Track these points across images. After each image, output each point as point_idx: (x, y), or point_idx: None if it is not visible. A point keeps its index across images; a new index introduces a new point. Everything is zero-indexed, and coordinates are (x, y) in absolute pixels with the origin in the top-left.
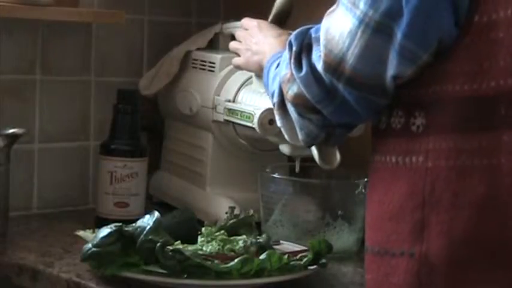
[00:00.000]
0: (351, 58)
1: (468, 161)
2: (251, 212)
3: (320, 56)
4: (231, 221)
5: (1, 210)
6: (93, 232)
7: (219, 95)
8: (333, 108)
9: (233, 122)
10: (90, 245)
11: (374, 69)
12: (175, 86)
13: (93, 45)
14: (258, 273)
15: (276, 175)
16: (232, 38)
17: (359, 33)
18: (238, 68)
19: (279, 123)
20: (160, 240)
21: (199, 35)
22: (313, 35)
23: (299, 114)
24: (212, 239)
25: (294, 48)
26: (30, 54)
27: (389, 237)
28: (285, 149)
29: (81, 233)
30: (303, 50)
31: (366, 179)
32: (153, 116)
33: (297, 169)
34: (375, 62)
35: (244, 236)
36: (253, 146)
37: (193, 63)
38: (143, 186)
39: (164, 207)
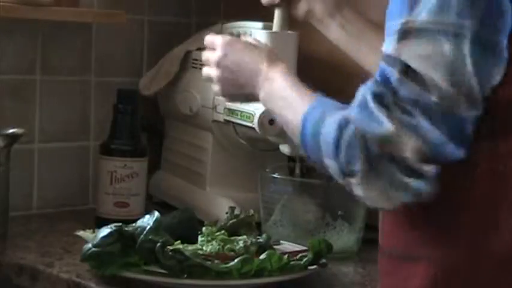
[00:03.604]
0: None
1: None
2: (251, 212)
3: (421, 92)
4: (231, 221)
5: (1, 210)
6: (93, 232)
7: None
8: (452, 147)
9: (233, 122)
10: (90, 245)
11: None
12: (175, 86)
13: (93, 45)
14: (258, 273)
15: (276, 175)
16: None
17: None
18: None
19: (364, 192)
20: (160, 240)
21: (199, 35)
22: (392, 79)
23: (409, 172)
24: (212, 239)
25: (387, 100)
26: (30, 54)
27: (411, 242)
28: (285, 149)
29: (81, 233)
30: (393, 98)
31: None
32: (153, 116)
33: (297, 171)
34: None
35: (244, 236)
36: (253, 146)
37: (193, 63)
38: (143, 186)
39: (164, 207)
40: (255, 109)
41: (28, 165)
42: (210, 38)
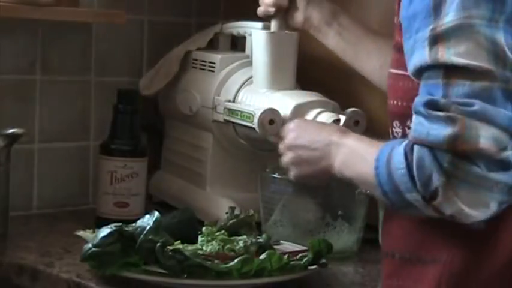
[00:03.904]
0: None
1: None
2: (251, 212)
3: (472, 83)
4: (231, 221)
5: (1, 210)
6: (93, 232)
7: (219, 95)
8: None
9: (233, 122)
10: (90, 245)
11: None
12: (175, 86)
13: (93, 45)
14: (258, 273)
15: (276, 175)
16: (232, 38)
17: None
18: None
19: (452, 210)
20: (160, 240)
21: (199, 35)
22: (439, 87)
23: (491, 165)
24: (212, 239)
25: (441, 103)
26: (30, 54)
27: (419, 244)
28: None
29: (81, 233)
30: (447, 99)
31: None
32: (153, 116)
33: None
34: None
35: (244, 236)
36: (253, 146)
37: (193, 63)
38: (143, 186)
39: (164, 207)
40: (255, 109)
41: (28, 165)
42: (284, 128)
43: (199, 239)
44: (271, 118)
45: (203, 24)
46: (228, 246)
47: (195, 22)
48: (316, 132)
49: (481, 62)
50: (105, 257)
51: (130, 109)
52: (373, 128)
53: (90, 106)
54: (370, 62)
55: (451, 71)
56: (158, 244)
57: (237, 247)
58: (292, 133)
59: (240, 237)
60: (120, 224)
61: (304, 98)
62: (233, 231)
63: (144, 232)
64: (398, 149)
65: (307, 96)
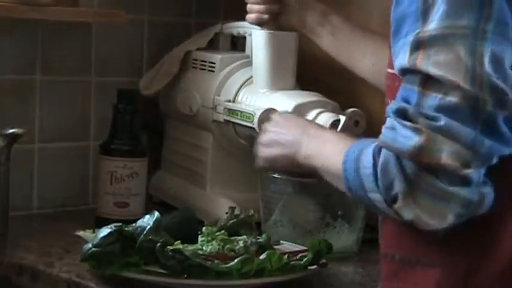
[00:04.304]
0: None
1: None
2: (251, 212)
3: (443, 97)
4: (231, 221)
5: (1, 210)
6: (93, 232)
7: (219, 95)
8: (489, 142)
9: (233, 122)
10: (90, 245)
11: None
12: (175, 86)
13: (93, 45)
14: (258, 273)
15: (276, 175)
16: (232, 38)
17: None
18: (263, 166)
19: (410, 215)
20: (160, 240)
21: (199, 35)
22: (414, 93)
23: (451, 180)
24: (212, 239)
25: (410, 113)
26: (30, 54)
27: (419, 247)
28: None
29: (81, 233)
30: (416, 110)
31: None
32: (153, 116)
33: None
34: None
35: (244, 236)
36: (253, 146)
37: (193, 63)
38: (143, 186)
39: (164, 207)
40: (255, 109)
41: (28, 165)
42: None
43: (199, 239)
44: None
45: (203, 24)
46: (228, 246)
47: (195, 22)
48: (295, 124)
49: (456, 77)
50: (105, 257)
51: (130, 109)
52: (373, 128)
53: (90, 106)
54: (364, 60)
55: (426, 80)
56: (158, 244)
57: (237, 247)
58: (272, 123)
59: (240, 237)
60: (120, 224)
61: (304, 98)
62: (233, 231)
63: (144, 232)
64: (368, 149)
65: (307, 96)
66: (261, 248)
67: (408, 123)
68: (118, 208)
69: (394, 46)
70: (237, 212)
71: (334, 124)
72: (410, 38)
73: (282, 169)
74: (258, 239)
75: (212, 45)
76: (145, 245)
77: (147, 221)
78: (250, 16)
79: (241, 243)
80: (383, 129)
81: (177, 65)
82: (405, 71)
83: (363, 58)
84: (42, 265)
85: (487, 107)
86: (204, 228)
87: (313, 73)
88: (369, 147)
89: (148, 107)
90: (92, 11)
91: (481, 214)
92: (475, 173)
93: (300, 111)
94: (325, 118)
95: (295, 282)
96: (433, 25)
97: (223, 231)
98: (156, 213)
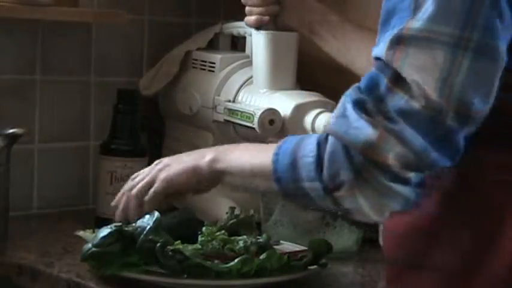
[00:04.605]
0: (456, 88)
1: None
2: (251, 212)
3: (407, 100)
4: (231, 221)
5: (1, 210)
6: (93, 232)
7: (219, 95)
8: (435, 155)
9: (233, 122)
10: (90, 245)
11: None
12: (175, 86)
13: (93, 45)
14: (258, 273)
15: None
16: (232, 38)
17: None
18: (161, 188)
19: (353, 203)
20: (160, 240)
21: (199, 35)
22: (381, 86)
23: (394, 178)
24: (212, 239)
25: (369, 107)
26: (30, 54)
27: (418, 251)
28: None
29: (81, 233)
30: (377, 105)
31: None
32: (153, 116)
33: None
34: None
35: (244, 236)
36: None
37: (193, 63)
38: None
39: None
40: (255, 109)
41: (28, 165)
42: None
43: (199, 239)
44: (271, 118)
45: (203, 24)
46: (228, 246)
47: (195, 22)
48: (186, 154)
49: (426, 84)
50: (105, 257)
51: (130, 109)
52: None
53: (90, 106)
54: (364, 60)
55: (397, 78)
56: (158, 244)
57: (237, 247)
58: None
59: (240, 237)
60: (120, 224)
61: (304, 98)
62: (233, 231)
63: (144, 232)
64: (311, 139)
65: (307, 96)
66: (261, 248)
67: (364, 116)
68: None
69: (380, 35)
70: (237, 212)
71: None
72: (395, 29)
73: (183, 186)
74: (258, 239)
75: (212, 45)
76: (146, 245)
77: (147, 221)
78: (250, 19)
79: (241, 243)
80: (333, 118)
81: (177, 65)
82: (380, 61)
83: (363, 58)
84: (42, 265)
85: (447, 121)
86: (204, 228)
87: (313, 73)
88: (309, 138)
89: (148, 107)
90: (92, 11)
91: (482, 217)
92: (416, 177)
93: (300, 111)
94: (325, 118)
95: (295, 282)
96: (418, 24)
97: (223, 231)
98: (156, 213)
